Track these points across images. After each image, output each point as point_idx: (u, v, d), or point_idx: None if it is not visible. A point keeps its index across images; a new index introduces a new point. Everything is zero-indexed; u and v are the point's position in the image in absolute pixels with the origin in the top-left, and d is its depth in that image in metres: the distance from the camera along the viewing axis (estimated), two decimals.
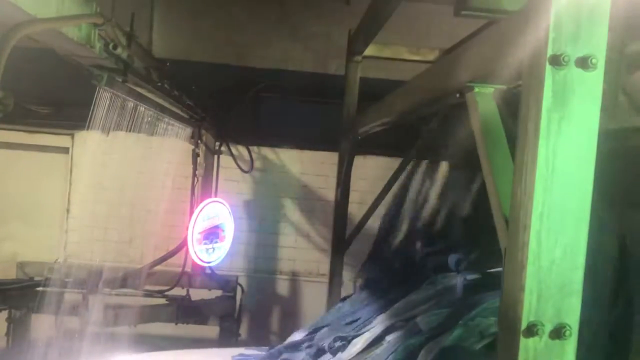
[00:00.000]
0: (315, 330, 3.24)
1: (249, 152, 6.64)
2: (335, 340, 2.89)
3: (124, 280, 5.43)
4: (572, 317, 1.29)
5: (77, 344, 4.67)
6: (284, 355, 3.02)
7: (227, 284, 6.11)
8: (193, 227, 5.33)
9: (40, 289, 5.20)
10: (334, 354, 2.80)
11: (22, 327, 5.57)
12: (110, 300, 5.55)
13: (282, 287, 6.85)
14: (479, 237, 2.87)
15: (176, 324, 5.67)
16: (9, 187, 6.61)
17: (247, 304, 6.51)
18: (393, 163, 4.42)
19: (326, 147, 6.30)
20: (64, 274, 5.39)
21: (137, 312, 5.45)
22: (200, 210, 5.45)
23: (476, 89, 1.88)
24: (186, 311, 5.68)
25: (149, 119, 4.34)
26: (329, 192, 6.15)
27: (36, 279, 5.59)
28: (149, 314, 5.53)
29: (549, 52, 1.26)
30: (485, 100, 1.85)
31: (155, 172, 5.94)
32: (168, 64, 4.18)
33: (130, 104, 3.71)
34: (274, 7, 6.68)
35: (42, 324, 5.27)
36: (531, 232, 1.28)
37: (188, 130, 5.50)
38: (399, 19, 3.93)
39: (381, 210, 4.47)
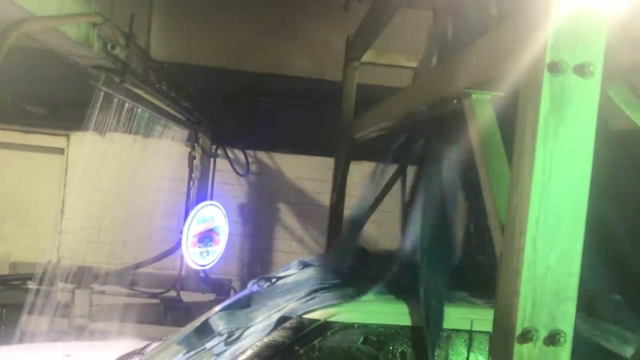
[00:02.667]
0: None
1: (245, 155, 6.63)
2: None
3: (113, 277, 5.42)
4: (567, 323, 1.29)
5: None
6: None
7: (220, 288, 6.10)
8: (188, 230, 5.32)
9: (31, 286, 5.18)
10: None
11: (13, 326, 5.53)
12: (100, 299, 5.54)
13: None
14: None
15: (164, 324, 5.64)
16: (4, 187, 6.58)
17: None
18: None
19: (322, 152, 6.30)
20: (56, 274, 5.38)
21: (125, 311, 5.44)
22: (195, 213, 5.44)
23: (474, 96, 1.88)
24: (176, 312, 5.66)
25: (146, 120, 4.34)
26: (324, 197, 6.14)
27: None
28: (136, 313, 5.52)
29: (547, 59, 1.27)
30: (482, 106, 1.85)
31: (150, 174, 5.93)
32: (166, 65, 4.17)
33: (127, 105, 3.71)
34: (273, 12, 6.70)
35: (32, 323, 5.24)
36: (527, 237, 1.28)
37: (185, 133, 5.50)
38: (397, 26, 3.94)
39: (376, 216, 4.46)
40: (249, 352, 2.28)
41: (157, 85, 3.88)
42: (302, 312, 2.38)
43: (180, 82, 4.76)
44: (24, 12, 1.98)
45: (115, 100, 3.52)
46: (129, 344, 3.42)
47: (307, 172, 6.74)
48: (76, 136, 6.50)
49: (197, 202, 5.87)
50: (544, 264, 1.29)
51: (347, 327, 2.32)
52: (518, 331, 1.28)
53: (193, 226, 5.36)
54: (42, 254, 6.41)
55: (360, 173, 6.06)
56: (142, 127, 4.40)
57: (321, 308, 2.37)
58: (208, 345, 2.56)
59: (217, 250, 5.71)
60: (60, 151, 6.64)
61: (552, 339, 1.28)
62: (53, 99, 6.28)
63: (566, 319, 1.29)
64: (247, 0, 6.70)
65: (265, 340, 2.31)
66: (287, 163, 6.80)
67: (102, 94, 3.26)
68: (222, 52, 6.67)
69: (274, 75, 6.68)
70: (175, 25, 6.64)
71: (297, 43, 6.69)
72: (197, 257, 5.45)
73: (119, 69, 2.96)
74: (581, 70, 1.26)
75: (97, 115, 3.58)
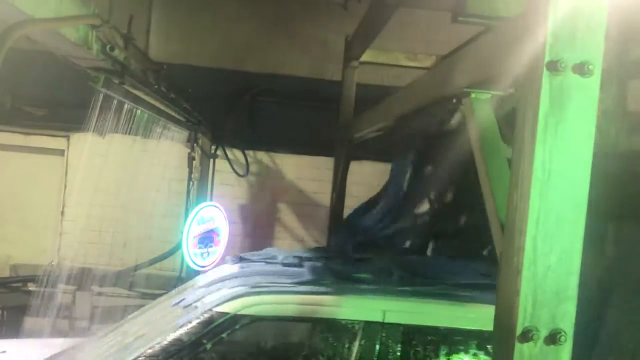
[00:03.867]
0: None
1: (245, 156, 6.63)
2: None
3: (114, 279, 5.43)
4: (567, 322, 1.29)
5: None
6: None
7: None
8: (188, 231, 5.32)
9: (32, 288, 5.18)
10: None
11: (15, 328, 5.55)
12: (101, 301, 5.54)
13: None
14: None
15: None
16: (4, 188, 6.58)
17: None
18: (389, 168, 4.42)
19: (322, 152, 6.30)
20: (57, 276, 5.38)
21: (125, 312, 5.44)
22: (196, 214, 5.44)
23: (473, 95, 1.88)
24: None
25: (145, 122, 4.33)
26: (325, 197, 6.14)
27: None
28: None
29: (546, 58, 1.26)
30: (482, 106, 1.85)
31: (150, 175, 5.93)
32: (165, 66, 4.17)
33: (127, 106, 3.71)
34: (271, 12, 6.69)
35: (34, 325, 5.25)
36: (527, 237, 1.28)
37: (184, 134, 5.50)
38: (396, 26, 3.94)
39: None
40: (157, 347, 2.29)
41: (156, 87, 3.88)
42: (213, 304, 2.39)
43: (179, 83, 4.76)
44: (23, 15, 1.98)
45: (115, 101, 3.52)
46: (66, 341, 3.41)
47: (307, 172, 6.74)
48: (76, 137, 6.50)
49: (197, 203, 5.87)
50: (544, 263, 1.28)
51: (257, 320, 2.34)
52: (519, 331, 1.28)
53: (193, 227, 5.36)
54: (43, 256, 6.41)
55: (360, 173, 6.08)
56: (141, 128, 4.40)
57: (231, 300, 2.39)
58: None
59: (217, 251, 5.70)
60: (61, 152, 6.63)
61: (553, 338, 1.28)
62: (53, 101, 6.29)
63: (567, 318, 1.29)
64: (246, 0, 6.70)
65: (174, 334, 2.31)
66: (287, 163, 6.80)
67: (101, 95, 3.25)
68: (221, 52, 6.67)
69: (273, 75, 6.68)
70: (174, 26, 6.64)
71: (296, 43, 6.69)
72: (197, 258, 5.45)
73: (118, 71, 2.95)
74: (580, 69, 1.26)
75: (97, 117, 3.58)
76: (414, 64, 5.01)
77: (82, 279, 5.63)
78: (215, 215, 5.73)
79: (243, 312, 2.33)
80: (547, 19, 1.26)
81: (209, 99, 6.07)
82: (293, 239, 6.80)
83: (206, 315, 2.34)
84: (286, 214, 6.83)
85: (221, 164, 6.60)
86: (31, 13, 2.00)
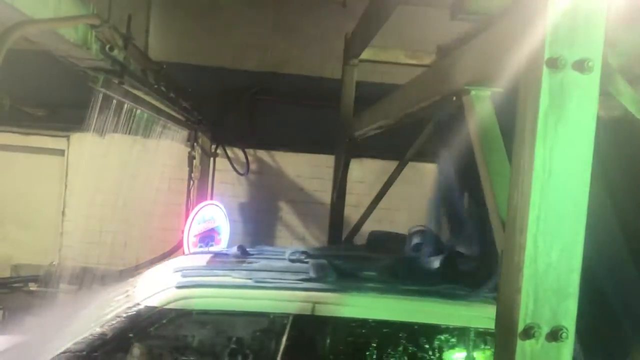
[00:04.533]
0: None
1: (245, 154, 6.63)
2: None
3: (115, 278, 5.43)
4: (569, 319, 1.29)
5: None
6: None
7: None
8: (189, 230, 5.32)
9: (33, 288, 5.18)
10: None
11: (16, 329, 5.54)
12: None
13: None
14: None
15: None
16: (4, 189, 6.58)
17: None
18: (389, 166, 4.43)
19: (322, 150, 6.30)
20: (58, 276, 5.38)
21: None
22: (196, 213, 5.44)
23: (473, 92, 1.88)
24: None
25: (145, 121, 4.34)
26: (325, 195, 6.14)
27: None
28: None
29: (546, 55, 1.26)
30: (482, 103, 1.85)
31: (150, 174, 5.93)
32: (164, 66, 4.17)
33: (127, 106, 3.71)
34: (270, 10, 6.69)
35: (35, 325, 5.25)
36: (528, 234, 1.28)
37: (184, 133, 5.50)
38: (395, 23, 3.94)
39: (377, 213, 4.48)
40: (82, 344, 2.30)
41: (155, 86, 3.88)
42: (141, 298, 2.40)
43: (179, 82, 4.76)
44: (22, 15, 1.98)
45: (115, 101, 3.52)
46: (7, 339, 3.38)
47: (307, 170, 6.74)
48: (76, 137, 6.50)
49: (198, 202, 5.87)
50: (545, 260, 1.28)
51: (185, 314, 2.34)
52: (520, 328, 1.28)
53: (194, 226, 5.37)
54: (44, 256, 6.41)
55: (360, 170, 6.08)
56: (141, 127, 4.40)
57: (158, 294, 2.39)
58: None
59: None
60: (61, 152, 6.63)
61: (554, 335, 1.28)
62: (52, 101, 6.28)
63: (568, 315, 1.29)
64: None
65: (99, 329, 2.32)
66: (287, 161, 6.79)
67: (101, 95, 3.26)
68: (220, 51, 6.66)
69: (273, 73, 6.67)
70: (173, 25, 6.63)
71: (295, 41, 6.69)
72: None
73: (117, 71, 2.96)
74: (580, 66, 1.26)
75: (97, 117, 3.58)
76: (414, 62, 5.01)
77: (83, 278, 5.63)
78: (215, 214, 5.74)
79: (170, 306, 2.34)
80: (547, 16, 1.26)
81: (208, 97, 6.07)
82: (294, 237, 6.80)
83: (134, 309, 2.35)
84: (287, 212, 6.83)
85: (221, 162, 6.60)
86: (30, 13, 2.00)
